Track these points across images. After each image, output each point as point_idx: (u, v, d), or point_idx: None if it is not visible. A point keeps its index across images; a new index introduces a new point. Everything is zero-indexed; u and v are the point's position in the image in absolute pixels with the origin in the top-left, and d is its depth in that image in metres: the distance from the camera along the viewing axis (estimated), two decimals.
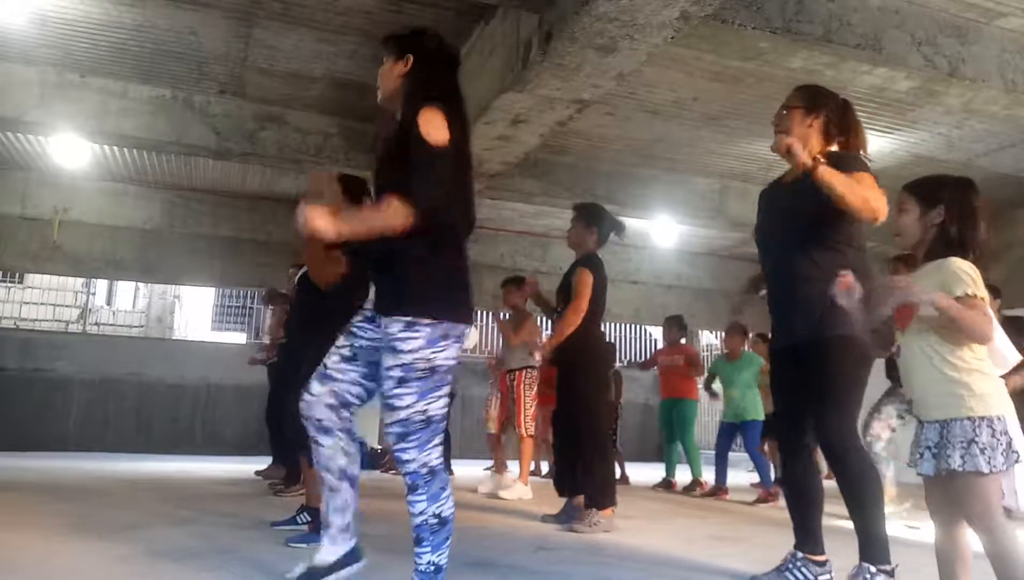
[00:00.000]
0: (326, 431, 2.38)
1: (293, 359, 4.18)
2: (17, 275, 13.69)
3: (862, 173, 2.65)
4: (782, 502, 5.75)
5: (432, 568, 2.19)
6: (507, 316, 6.63)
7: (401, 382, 2.19)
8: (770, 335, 3.02)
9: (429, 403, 2.21)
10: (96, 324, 14.29)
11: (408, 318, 2.18)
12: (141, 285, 15.35)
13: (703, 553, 3.61)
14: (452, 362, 2.26)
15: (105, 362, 9.53)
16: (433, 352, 2.20)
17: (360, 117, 6.86)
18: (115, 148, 7.85)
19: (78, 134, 6.57)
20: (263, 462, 6.74)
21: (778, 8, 4.50)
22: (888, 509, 4.74)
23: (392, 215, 2.16)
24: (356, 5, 5.13)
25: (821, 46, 4.67)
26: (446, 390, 2.26)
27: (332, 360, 2.38)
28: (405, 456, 2.20)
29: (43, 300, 14.15)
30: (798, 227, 2.73)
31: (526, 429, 5.89)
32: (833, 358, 2.67)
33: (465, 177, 2.36)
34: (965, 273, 2.07)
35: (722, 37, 4.69)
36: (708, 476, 6.81)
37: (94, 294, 14.12)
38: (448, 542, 2.22)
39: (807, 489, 2.81)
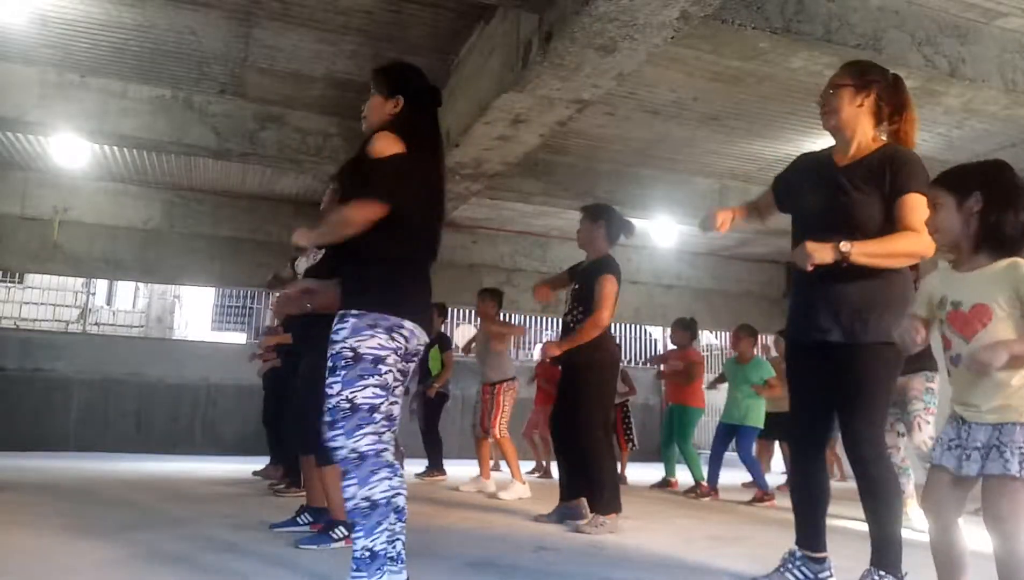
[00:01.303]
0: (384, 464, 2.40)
1: (296, 361, 4.18)
2: (17, 275, 13.70)
3: (912, 196, 2.53)
4: (779, 502, 5.79)
5: (367, 554, 2.22)
6: (480, 323, 6.66)
7: (331, 371, 2.31)
8: (790, 324, 2.85)
9: (355, 391, 2.28)
10: (96, 324, 14.30)
11: (341, 311, 2.36)
12: (141, 285, 15.35)
13: (703, 553, 3.61)
14: (383, 352, 2.32)
15: (105, 362, 9.53)
16: (357, 340, 2.29)
17: (360, 117, 6.84)
18: (115, 148, 7.85)
19: (78, 134, 6.57)
20: (263, 462, 6.74)
21: (778, 8, 4.50)
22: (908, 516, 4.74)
23: (350, 210, 2.34)
24: (356, 5, 5.12)
25: (821, 46, 4.67)
26: (375, 380, 2.30)
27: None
28: (334, 443, 2.28)
29: (43, 300, 14.16)
30: (850, 219, 2.59)
31: (500, 431, 5.92)
32: (871, 366, 2.60)
33: (432, 205, 2.54)
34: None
35: (722, 37, 4.69)
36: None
37: (94, 294, 14.12)
38: (381, 527, 2.24)
39: (818, 488, 2.77)
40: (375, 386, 2.30)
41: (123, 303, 16.14)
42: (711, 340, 14.52)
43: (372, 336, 2.30)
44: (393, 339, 2.34)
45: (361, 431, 2.28)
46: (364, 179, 2.37)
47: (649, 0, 3.73)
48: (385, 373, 2.33)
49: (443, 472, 7.11)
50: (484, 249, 10.79)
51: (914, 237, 2.49)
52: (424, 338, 2.49)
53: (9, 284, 13.98)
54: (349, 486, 2.26)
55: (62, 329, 13.47)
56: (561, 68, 4.48)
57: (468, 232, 10.60)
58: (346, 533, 3.51)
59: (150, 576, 2.73)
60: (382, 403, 2.33)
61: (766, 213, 3.09)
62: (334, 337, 2.33)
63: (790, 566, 2.75)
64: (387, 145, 2.39)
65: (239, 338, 14.80)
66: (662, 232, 9.51)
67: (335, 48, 5.74)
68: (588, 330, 4.27)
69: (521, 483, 5.77)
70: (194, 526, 3.84)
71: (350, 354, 2.29)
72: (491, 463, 6.99)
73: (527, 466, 8.01)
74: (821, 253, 2.46)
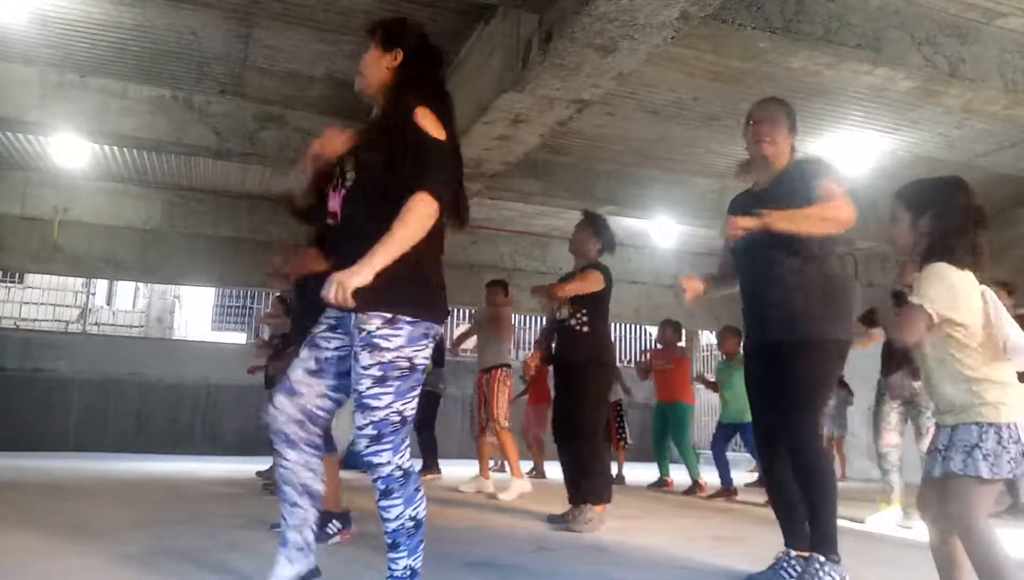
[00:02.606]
0: (292, 445, 2.29)
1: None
2: (17, 275, 13.70)
3: (826, 181, 2.77)
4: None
5: (409, 572, 2.15)
6: (481, 313, 6.65)
7: (380, 381, 2.11)
8: (743, 339, 3.13)
9: (405, 403, 2.15)
10: (96, 324, 14.30)
11: (388, 315, 2.12)
12: (141, 285, 15.35)
13: (703, 553, 3.61)
14: (428, 362, 2.24)
15: (105, 362, 9.54)
16: (414, 350, 2.15)
17: (360, 117, 6.82)
18: (115, 148, 7.85)
19: (78, 134, 6.57)
20: (263, 462, 6.73)
21: (778, 8, 4.50)
22: (892, 511, 4.81)
23: (424, 217, 2.09)
24: (356, 5, 5.12)
25: (821, 46, 4.67)
26: (418, 391, 2.21)
27: (297, 374, 2.30)
28: (379, 459, 2.12)
29: (43, 300, 14.15)
30: (770, 233, 2.77)
31: (500, 423, 5.87)
32: (803, 360, 2.76)
33: (456, 176, 2.32)
34: (924, 279, 2.08)
35: (722, 37, 4.69)
36: (707, 477, 6.81)
37: (94, 294, 14.13)
38: (423, 545, 2.17)
39: (787, 487, 2.85)
40: (417, 397, 2.21)
41: (123, 303, 16.14)
42: (711, 340, 14.51)
43: (426, 346, 2.18)
44: (431, 349, 2.23)
45: (405, 445, 2.17)
46: (422, 160, 2.14)
47: (649, 0, 3.73)
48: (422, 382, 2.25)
49: (438, 471, 7.12)
50: (484, 249, 10.79)
51: (829, 205, 2.69)
52: None
53: (9, 284, 13.98)
54: (394, 506, 2.13)
55: (62, 329, 13.47)
56: (561, 68, 4.48)
57: (468, 232, 10.59)
58: (341, 527, 3.52)
59: (150, 576, 2.73)
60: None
61: (731, 279, 3.20)
62: (385, 343, 2.11)
63: (784, 564, 2.81)
64: (434, 125, 2.19)
65: (239, 338, 14.81)
66: (662, 232, 9.51)
67: (335, 48, 5.74)
68: (569, 286, 4.38)
69: (520, 479, 5.75)
70: (194, 526, 3.84)
71: (406, 365, 2.13)
72: (491, 463, 7.00)
73: (526, 466, 8.02)
74: (745, 222, 2.69)
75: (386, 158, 2.19)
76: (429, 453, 7.22)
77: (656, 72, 5.70)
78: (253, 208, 9.71)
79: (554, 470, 7.82)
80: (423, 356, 2.18)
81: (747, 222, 2.69)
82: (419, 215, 2.09)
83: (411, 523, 2.14)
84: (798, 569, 2.76)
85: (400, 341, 2.12)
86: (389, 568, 2.16)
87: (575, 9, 3.93)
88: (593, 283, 4.38)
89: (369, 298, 2.08)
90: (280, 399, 2.29)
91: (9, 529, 3.54)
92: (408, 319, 2.13)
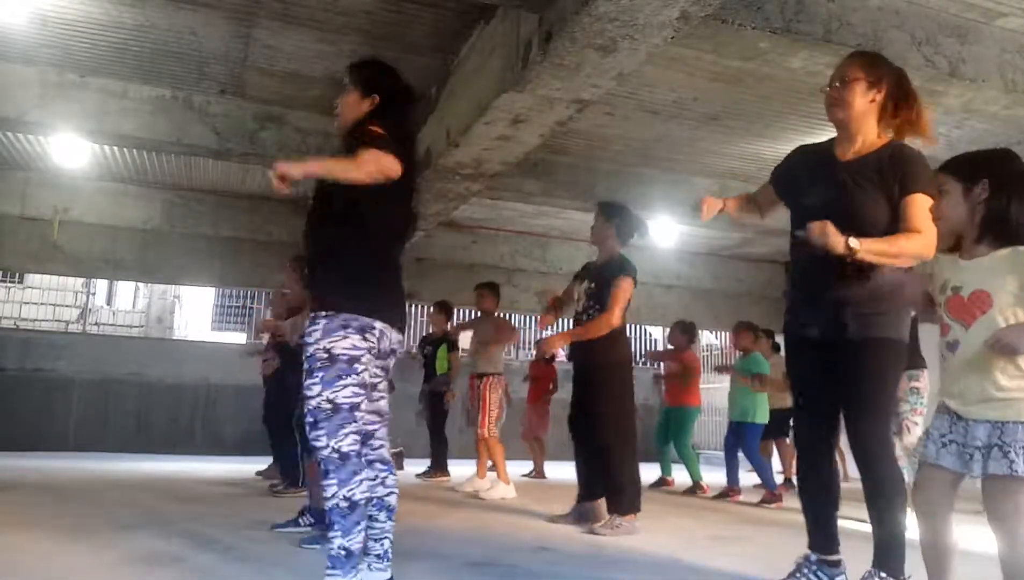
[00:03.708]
0: (369, 463, 2.43)
1: (296, 360, 4.17)
2: (17, 275, 13.69)
3: (917, 196, 2.50)
4: (787, 503, 5.78)
5: (344, 552, 2.25)
6: (478, 317, 6.67)
7: (308, 373, 2.32)
8: (791, 319, 2.79)
9: (335, 392, 2.29)
10: (96, 324, 14.29)
11: (313, 313, 2.38)
12: (141, 285, 15.35)
13: (703, 553, 3.61)
14: (357, 352, 2.33)
15: (105, 362, 9.54)
16: (330, 342, 2.31)
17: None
18: (115, 148, 7.85)
19: (78, 134, 6.56)
20: (263, 462, 6.74)
21: (778, 8, 4.50)
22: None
23: (365, 161, 2.25)
24: (356, 5, 5.12)
25: (821, 46, 4.66)
26: (353, 379, 2.32)
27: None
28: (318, 443, 2.30)
29: (43, 300, 14.15)
30: (853, 217, 2.51)
31: (489, 431, 5.92)
32: (879, 362, 2.57)
33: (404, 207, 2.56)
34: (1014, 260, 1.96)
35: (722, 37, 4.69)
36: (709, 478, 6.81)
37: (94, 294, 14.11)
38: (359, 527, 2.29)
39: (828, 489, 2.73)
40: (354, 385, 2.32)
41: (123, 303, 16.13)
42: (711, 340, 14.51)
43: (344, 337, 2.32)
44: (366, 339, 2.36)
45: (343, 431, 2.30)
46: (364, 143, 2.33)
47: (649, 0, 3.73)
48: (361, 372, 2.35)
49: (446, 473, 7.11)
50: (484, 249, 10.79)
51: (918, 238, 2.46)
52: (396, 337, 2.50)
53: (9, 284, 13.98)
54: (330, 486, 2.28)
55: (62, 329, 13.46)
56: (561, 68, 4.47)
57: (468, 232, 10.60)
58: (314, 521, 3.53)
59: (150, 576, 2.73)
60: (362, 401, 2.36)
61: (766, 208, 3.04)
62: (307, 340, 2.35)
63: (805, 570, 2.68)
64: (382, 134, 2.39)
65: (239, 338, 14.80)
66: (662, 232, 9.50)
67: (335, 48, 5.74)
68: (595, 327, 4.26)
69: (506, 483, 5.75)
70: (194, 526, 3.84)
71: (324, 355, 2.31)
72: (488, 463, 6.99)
73: (524, 467, 8.02)
74: (835, 239, 2.37)
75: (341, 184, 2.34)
76: (439, 454, 7.21)
77: (656, 72, 5.70)
78: (253, 208, 9.71)
79: (554, 470, 7.83)
80: (343, 346, 2.32)
81: (835, 244, 2.36)
82: (360, 159, 2.25)
83: (344, 503, 2.27)
84: (820, 575, 2.65)
85: (317, 334, 2.33)
86: (328, 547, 2.30)
87: (575, 9, 3.93)
88: (626, 291, 4.35)
89: (315, 305, 2.40)
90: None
91: (9, 529, 3.54)
92: (323, 314, 2.35)
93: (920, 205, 2.48)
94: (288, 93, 6.59)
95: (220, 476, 6.69)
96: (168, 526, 3.83)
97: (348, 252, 2.42)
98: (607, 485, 4.29)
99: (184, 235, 9.59)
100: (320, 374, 2.30)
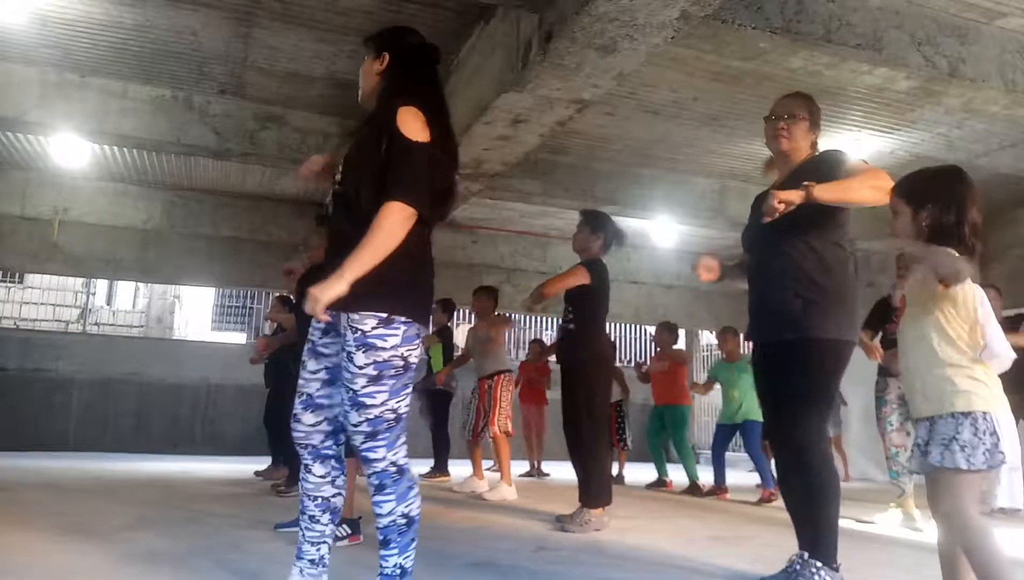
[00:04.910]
0: (322, 460, 2.31)
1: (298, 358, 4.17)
2: (17, 275, 13.70)
3: (852, 164, 2.75)
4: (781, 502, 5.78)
5: (399, 571, 2.15)
6: (475, 321, 6.66)
7: (375, 379, 2.13)
8: (748, 331, 3.06)
9: (399, 401, 2.17)
10: (96, 324, 14.29)
11: (384, 315, 2.14)
12: (141, 285, 15.35)
13: (703, 553, 3.61)
14: (418, 361, 2.27)
15: (105, 362, 9.54)
16: (408, 350, 2.18)
17: (360, 117, 6.83)
18: (115, 148, 7.85)
19: (78, 134, 6.57)
20: (263, 462, 6.74)
21: (778, 8, 4.50)
22: (900, 515, 4.79)
23: (395, 226, 2.11)
24: (356, 5, 5.12)
25: (821, 46, 4.67)
26: (410, 390, 2.24)
27: (313, 387, 2.31)
28: (374, 455, 2.14)
29: (43, 300, 14.15)
30: (780, 229, 2.72)
31: (500, 427, 5.89)
32: (809, 358, 2.73)
33: (446, 174, 2.32)
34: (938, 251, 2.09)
35: (722, 37, 4.69)
36: (705, 477, 6.81)
37: (94, 294, 14.12)
38: (414, 544, 2.18)
39: (800, 490, 2.78)
40: (409, 394, 2.23)
41: (123, 303, 16.13)
42: (711, 340, 14.51)
43: (418, 346, 2.22)
44: (421, 348, 2.28)
45: (400, 443, 2.19)
46: (398, 166, 2.15)
47: (649, 0, 3.73)
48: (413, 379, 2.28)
49: (447, 473, 7.10)
50: (484, 249, 10.79)
51: (868, 177, 2.60)
52: None
53: (9, 284, 13.98)
54: (386, 502, 2.14)
55: (62, 329, 13.47)
56: (561, 68, 4.48)
57: (468, 232, 10.61)
58: (349, 531, 3.50)
59: (150, 576, 2.73)
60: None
61: (743, 273, 3.22)
62: (381, 343, 2.12)
63: (799, 567, 2.72)
64: (413, 126, 2.19)
65: (239, 338, 14.80)
66: (662, 232, 9.51)
67: (335, 48, 5.74)
68: (554, 282, 4.43)
69: (508, 486, 5.74)
70: (194, 526, 3.84)
71: (401, 363, 2.16)
72: (490, 464, 6.98)
73: (522, 467, 8.02)
74: (788, 195, 2.53)
75: (369, 164, 2.20)
76: (441, 454, 7.20)
77: (656, 72, 5.71)
78: (253, 208, 9.71)
79: (551, 470, 7.84)
80: (415, 356, 2.21)
81: (790, 195, 2.53)
82: (390, 224, 2.11)
83: (403, 520, 2.15)
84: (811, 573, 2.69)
85: (396, 340, 2.15)
86: (380, 565, 2.17)
87: (575, 9, 3.93)
88: (575, 277, 4.39)
89: (364, 299, 2.11)
90: (306, 415, 2.31)
91: (10, 529, 3.54)
92: (403, 319, 2.17)
93: (855, 163, 2.73)
94: (288, 93, 6.60)
95: (220, 476, 6.69)
96: (168, 526, 3.83)
97: (409, 246, 2.18)
98: (578, 479, 4.36)
99: (184, 235, 9.60)
100: (391, 382, 2.14)
